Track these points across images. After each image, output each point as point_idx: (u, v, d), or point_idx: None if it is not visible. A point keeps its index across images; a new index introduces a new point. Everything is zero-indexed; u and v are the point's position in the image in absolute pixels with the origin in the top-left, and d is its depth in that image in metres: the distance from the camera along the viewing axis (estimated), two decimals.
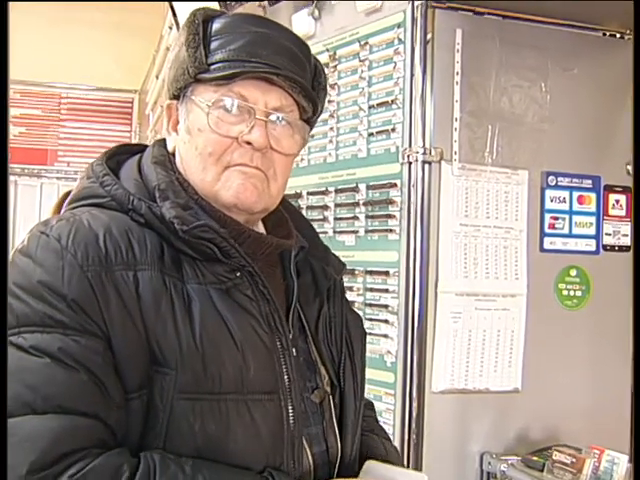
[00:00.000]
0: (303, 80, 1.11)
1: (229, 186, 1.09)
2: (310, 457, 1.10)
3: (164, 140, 1.19)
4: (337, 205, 2.28)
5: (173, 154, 1.16)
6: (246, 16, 1.14)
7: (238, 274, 1.06)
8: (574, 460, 1.83)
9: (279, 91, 1.10)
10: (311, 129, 1.20)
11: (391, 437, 2.03)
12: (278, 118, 1.10)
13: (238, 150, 1.08)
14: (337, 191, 2.28)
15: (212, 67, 1.08)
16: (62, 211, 1.13)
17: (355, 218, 2.20)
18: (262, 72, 1.07)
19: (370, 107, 2.18)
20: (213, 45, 1.09)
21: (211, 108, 1.07)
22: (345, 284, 2.20)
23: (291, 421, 1.05)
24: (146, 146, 1.20)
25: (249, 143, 1.08)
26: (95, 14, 4.63)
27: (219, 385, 0.99)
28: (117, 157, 1.16)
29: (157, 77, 4.13)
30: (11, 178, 4.52)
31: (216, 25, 1.10)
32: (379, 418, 2.07)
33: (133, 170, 1.12)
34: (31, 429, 0.89)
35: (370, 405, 1.44)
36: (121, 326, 0.96)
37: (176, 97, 1.14)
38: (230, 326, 1.02)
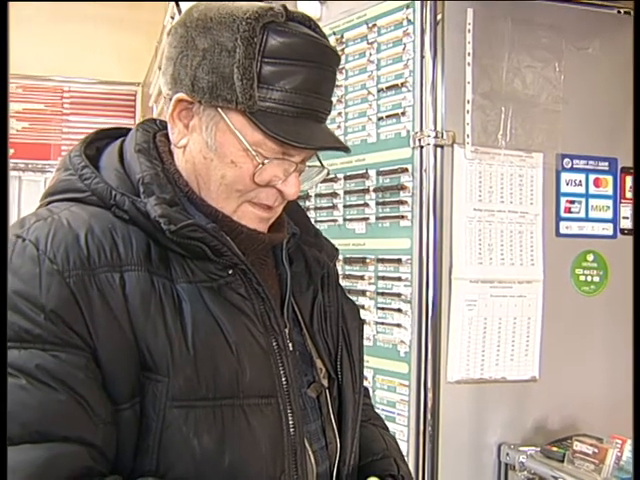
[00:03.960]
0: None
1: (246, 221, 1.05)
2: (312, 457, 1.05)
3: (148, 123, 1.12)
4: (346, 192, 2.23)
5: (167, 138, 1.08)
6: (302, 35, 1.00)
7: (230, 272, 1.00)
8: (596, 450, 1.77)
9: None
10: None
11: (406, 429, 2.00)
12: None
13: (266, 191, 1.04)
14: (346, 178, 2.22)
15: (262, 105, 0.98)
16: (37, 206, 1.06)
17: (365, 205, 2.15)
18: (312, 148, 1.03)
19: (379, 90, 2.12)
20: (266, 71, 0.97)
21: (257, 157, 1.00)
22: (356, 272, 2.18)
23: (291, 426, 1.00)
24: (128, 130, 1.11)
25: (280, 190, 1.04)
26: (97, 7, 4.59)
27: (213, 391, 0.94)
28: (96, 143, 1.09)
29: (160, 69, 4.09)
30: (15, 174, 4.48)
31: (272, 42, 0.98)
32: (393, 410, 2.04)
33: (114, 159, 1.05)
34: (7, 464, 0.83)
35: (366, 392, 1.39)
36: (108, 333, 0.91)
37: (197, 99, 1.01)
38: (223, 327, 0.97)
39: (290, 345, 1.05)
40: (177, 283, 0.97)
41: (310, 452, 1.05)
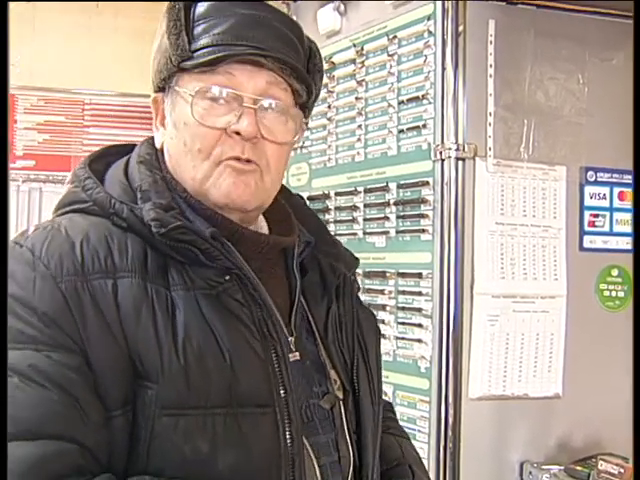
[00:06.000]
0: (295, 62, 1.04)
1: (219, 184, 1.02)
2: (318, 471, 1.01)
3: (153, 137, 1.13)
4: (367, 205, 2.21)
5: (161, 151, 1.09)
6: None
7: (227, 277, 0.98)
8: (622, 470, 1.74)
9: (269, 74, 1.03)
10: (308, 114, 1.14)
11: (427, 446, 1.96)
12: (270, 105, 1.03)
13: (227, 142, 1.01)
14: (366, 191, 2.21)
15: (196, 54, 1.01)
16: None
17: (386, 218, 2.13)
18: (248, 54, 1.00)
19: (400, 103, 2.10)
20: (197, 30, 1.02)
21: (195, 98, 1.01)
22: (376, 287, 2.16)
23: (287, 437, 0.96)
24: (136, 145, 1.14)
25: (238, 133, 1.01)
26: (118, 19, 4.62)
27: (205, 399, 0.92)
28: (106, 159, 1.10)
29: None
30: (35, 185, 4.50)
31: (199, 9, 1.03)
32: (414, 426, 2.01)
33: (119, 172, 1.06)
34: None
35: (389, 406, 1.36)
36: (99, 339, 0.90)
37: (161, 89, 1.07)
38: (217, 335, 0.94)
39: (298, 354, 1.03)
40: (173, 291, 0.96)
41: (315, 465, 1.01)
